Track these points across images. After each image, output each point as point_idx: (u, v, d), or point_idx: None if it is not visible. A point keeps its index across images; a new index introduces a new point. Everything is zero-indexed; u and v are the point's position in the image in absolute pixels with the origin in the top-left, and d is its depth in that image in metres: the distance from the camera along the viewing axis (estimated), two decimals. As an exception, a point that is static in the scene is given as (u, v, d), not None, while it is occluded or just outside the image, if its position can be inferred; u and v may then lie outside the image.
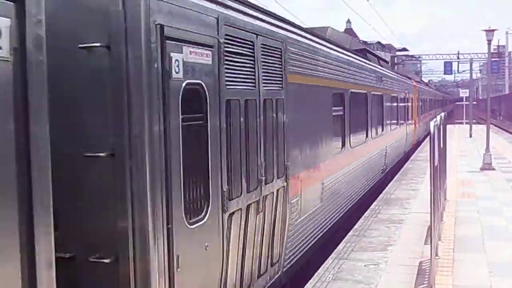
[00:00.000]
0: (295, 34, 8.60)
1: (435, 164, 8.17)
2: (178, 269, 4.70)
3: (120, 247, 4.36)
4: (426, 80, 74.55)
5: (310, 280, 8.32)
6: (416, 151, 27.98)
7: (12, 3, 3.04)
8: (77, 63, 4.38)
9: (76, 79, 4.42)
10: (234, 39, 5.97)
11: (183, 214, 4.84)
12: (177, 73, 4.74)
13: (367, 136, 14.57)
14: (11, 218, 3.01)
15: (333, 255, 9.60)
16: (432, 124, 8.11)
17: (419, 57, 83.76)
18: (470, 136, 36.74)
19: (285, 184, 7.39)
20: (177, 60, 4.74)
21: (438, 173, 8.89)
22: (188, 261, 4.87)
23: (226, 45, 5.71)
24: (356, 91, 13.17)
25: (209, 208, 5.30)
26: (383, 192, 15.98)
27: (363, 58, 16.13)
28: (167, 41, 4.58)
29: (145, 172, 4.38)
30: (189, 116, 4.97)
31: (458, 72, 69.24)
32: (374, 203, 14.26)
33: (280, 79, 7.44)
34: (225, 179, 5.61)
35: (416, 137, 29.54)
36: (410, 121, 25.73)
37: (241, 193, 6.04)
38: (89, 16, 4.37)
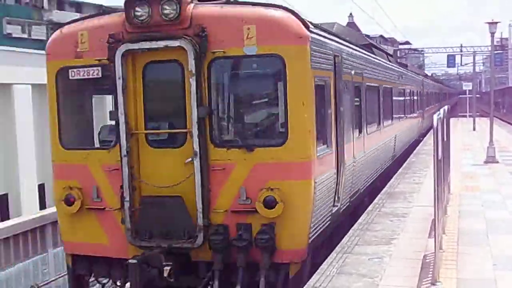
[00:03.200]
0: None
1: (439, 158, 8.15)
2: None
3: None
4: (429, 73, 73.69)
5: (314, 275, 8.32)
6: (420, 144, 27.87)
7: None
8: None
9: None
10: None
11: None
12: None
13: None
14: None
15: (337, 249, 9.60)
16: (435, 117, 8.09)
17: (422, 50, 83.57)
18: (474, 129, 36.67)
19: None
20: None
21: (441, 166, 8.87)
22: None
23: None
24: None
25: None
26: (387, 185, 15.96)
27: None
28: None
29: None
30: None
31: (461, 65, 69.04)
32: (378, 197, 14.24)
33: None
34: None
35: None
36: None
37: None
38: None
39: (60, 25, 10.29)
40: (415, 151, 24.86)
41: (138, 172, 9.10)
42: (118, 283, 9.63)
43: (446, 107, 11.23)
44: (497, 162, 19.95)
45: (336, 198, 10.46)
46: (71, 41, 9.39)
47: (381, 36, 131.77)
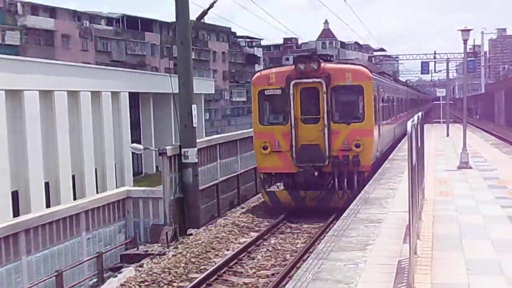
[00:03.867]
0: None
1: (413, 163, 8.22)
2: None
3: None
4: (403, 80, 74.21)
5: (290, 281, 8.33)
6: (394, 151, 28.08)
7: None
8: None
9: None
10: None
11: None
12: None
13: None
14: None
15: (312, 255, 9.63)
16: (409, 123, 8.15)
17: (396, 57, 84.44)
18: (447, 135, 37.05)
19: None
20: None
21: (416, 172, 8.95)
22: None
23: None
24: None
25: None
26: (362, 191, 16.05)
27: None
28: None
29: None
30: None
31: (435, 71, 69.84)
32: (353, 203, 14.32)
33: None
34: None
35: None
36: None
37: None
38: None
39: (258, 71, 22.18)
40: (389, 157, 25.04)
41: (298, 134, 19.31)
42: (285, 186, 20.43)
43: (420, 113, 11.35)
44: (470, 167, 20.18)
45: (377, 150, 21.07)
46: (266, 78, 19.96)
47: (356, 42, 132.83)
